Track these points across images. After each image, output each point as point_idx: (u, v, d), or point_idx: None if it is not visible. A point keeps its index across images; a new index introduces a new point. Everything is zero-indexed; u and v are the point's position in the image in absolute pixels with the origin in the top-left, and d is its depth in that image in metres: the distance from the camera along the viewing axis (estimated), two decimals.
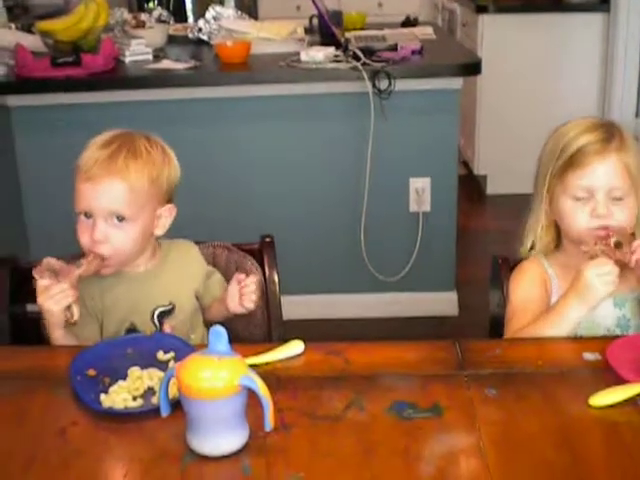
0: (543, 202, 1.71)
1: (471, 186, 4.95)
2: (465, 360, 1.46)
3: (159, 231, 1.75)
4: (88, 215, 1.66)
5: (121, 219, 1.66)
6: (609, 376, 1.40)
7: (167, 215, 1.75)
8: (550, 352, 1.50)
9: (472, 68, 3.16)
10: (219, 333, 1.23)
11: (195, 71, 3.14)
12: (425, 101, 3.19)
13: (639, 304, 1.71)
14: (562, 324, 1.56)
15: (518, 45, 4.67)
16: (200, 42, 3.68)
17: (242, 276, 1.72)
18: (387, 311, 3.43)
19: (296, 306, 3.34)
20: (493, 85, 4.68)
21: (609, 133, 1.65)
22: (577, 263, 1.60)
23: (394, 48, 3.19)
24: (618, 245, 1.57)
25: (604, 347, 1.46)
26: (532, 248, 1.77)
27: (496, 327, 1.79)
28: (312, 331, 3.27)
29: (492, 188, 4.82)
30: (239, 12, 3.82)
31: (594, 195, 1.63)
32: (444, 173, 3.31)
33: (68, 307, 1.60)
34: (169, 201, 1.75)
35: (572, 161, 1.63)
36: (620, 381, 1.38)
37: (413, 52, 3.19)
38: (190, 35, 3.77)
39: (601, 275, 1.52)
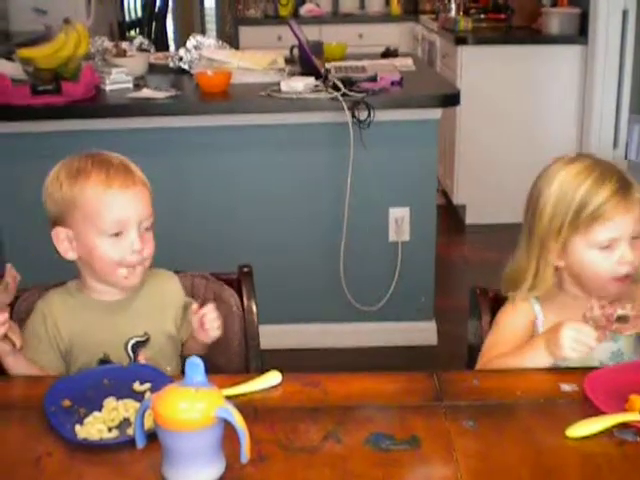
0: (551, 253, 1.69)
1: (450, 216, 4.98)
2: (443, 391, 1.46)
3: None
4: (117, 232, 1.66)
5: (149, 224, 1.70)
6: (586, 407, 1.40)
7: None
8: (528, 383, 1.50)
9: (451, 99, 3.18)
10: (196, 364, 1.23)
11: (175, 100, 3.15)
12: (404, 131, 3.21)
13: (634, 339, 1.72)
14: (529, 365, 1.59)
15: (497, 76, 4.72)
16: (181, 71, 3.69)
17: (195, 306, 1.71)
18: (366, 341, 3.43)
19: (275, 336, 3.34)
20: (472, 116, 4.71)
21: (622, 179, 1.65)
22: (573, 307, 1.64)
23: (374, 79, 3.21)
24: (622, 319, 1.54)
25: (581, 378, 1.47)
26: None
27: (474, 357, 1.79)
28: (291, 361, 3.24)
29: (471, 218, 4.85)
30: (220, 41, 3.84)
31: (618, 242, 1.63)
32: (423, 203, 3.33)
33: (5, 336, 1.57)
34: None
35: (596, 216, 1.62)
36: (597, 412, 1.38)
37: (393, 83, 3.21)
38: (171, 64, 3.78)
39: (576, 341, 1.52)
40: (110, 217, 1.65)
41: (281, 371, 1.52)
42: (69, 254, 1.71)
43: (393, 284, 3.34)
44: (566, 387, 1.47)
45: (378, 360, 3.32)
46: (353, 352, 3.40)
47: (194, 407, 1.19)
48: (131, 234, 1.66)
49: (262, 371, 1.53)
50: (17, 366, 1.63)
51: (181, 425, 1.19)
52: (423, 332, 3.45)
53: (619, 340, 1.69)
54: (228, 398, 1.37)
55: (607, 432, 1.34)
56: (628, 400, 1.39)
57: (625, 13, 4.57)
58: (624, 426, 1.35)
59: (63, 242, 1.70)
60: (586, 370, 1.50)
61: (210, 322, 1.69)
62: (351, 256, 3.29)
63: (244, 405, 1.39)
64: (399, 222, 3.31)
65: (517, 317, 1.74)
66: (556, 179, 1.68)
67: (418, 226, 3.33)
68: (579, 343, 1.52)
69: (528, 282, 1.73)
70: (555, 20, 4.80)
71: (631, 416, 1.36)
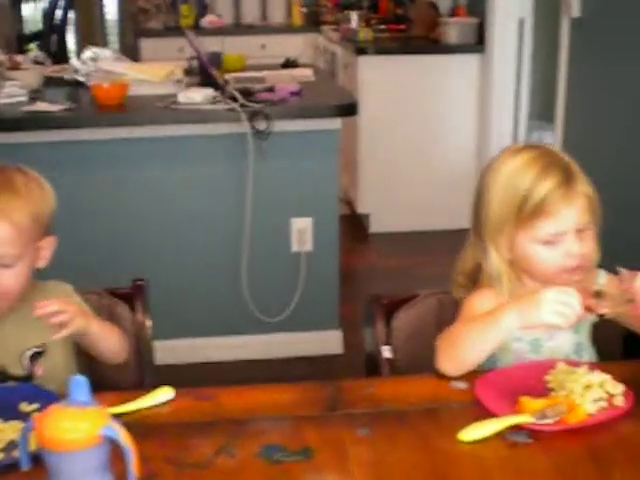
0: (501, 248, 1.63)
1: (354, 225, 5.00)
2: (338, 400, 1.46)
3: (41, 264, 1.70)
4: None
5: (8, 260, 1.61)
6: (478, 410, 1.41)
7: (48, 247, 1.71)
8: (421, 388, 1.50)
9: (348, 109, 3.20)
10: (80, 383, 1.19)
11: (70, 113, 3.09)
12: (304, 142, 3.21)
13: (589, 332, 1.71)
14: (492, 328, 1.51)
15: (397, 86, 4.76)
16: (77, 84, 3.62)
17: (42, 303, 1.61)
18: (272, 352, 3.41)
19: (180, 351, 3.31)
20: (374, 125, 4.75)
21: (566, 171, 1.60)
22: None
23: (272, 89, 3.21)
24: (598, 294, 1.51)
25: (472, 381, 1.48)
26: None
27: (371, 365, 1.79)
28: (195, 376, 3.22)
29: (375, 226, 4.88)
30: (117, 53, 3.79)
31: (564, 236, 1.59)
32: (325, 213, 3.33)
33: None
34: (48, 233, 1.71)
35: (539, 210, 1.57)
36: (488, 415, 1.39)
37: (291, 93, 3.21)
38: (67, 77, 3.70)
39: (559, 302, 1.45)
40: None
41: (183, 387, 1.49)
42: None
43: (297, 294, 3.34)
44: (458, 384, 1.49)
45: (284, 371, 3.30)
46: (259, 364, 3.37)
47: (78, 427, 1.15)
48: None
49: (157, 387, 1.50)
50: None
51: (65, 445, 1.15)
52: (329, 341, 3.45)
53: (580, 331, 1.69)
54: (117, 416, 1.34)
55: (499, 435, 1.35)
56: (518, 402, 1.41)
57: (521, 21, 4.67)
58: (516, 428, 1.36)
59: None
60: (477, 373, 1.51)
61: (55, 318, 1.60)
62: (254, 268, 3.27)
63: (134, 423, 1.37)
64: (301, 232, 3.30)
65: (483, 302, 1.64)
66: (501, 172, 1.63)
67: (321, 236, 3.34)
68: (563, 305, 1.45)
69: (474, 282, 1.69)
70: (453, 30, 4.88)
71: (522, 418, 1.37)
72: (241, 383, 1.57)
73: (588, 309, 1.49)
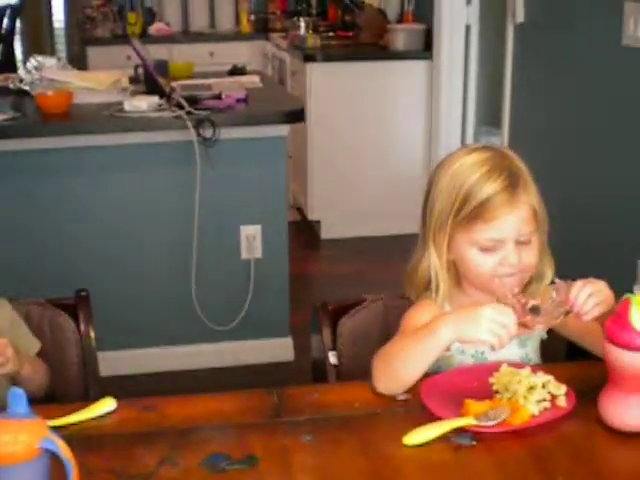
0: (443, 247, 1.60)
1: (305, 231, 5.00)
2: (282, 408, 1.45)
3: None
4: None
5: None
6: (423, 414, 1.41)
7: None
8: (366, 393, 1.50)
9: (295, 115, 3.19)
10: (18, 395, 1.18)
11: (14, 122, 3.04)
12: (252, 149, 3.20)
13: (538, 344, 1.70)
14: (428, 341, 1.45)
15: (346, 92, 4.77)
16: (23, 93, 3.57)
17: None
18: (223, 360, 3.39)
19: (129, 361, 3.28)
20: (323, 131, 4.76)
21: (512, 176, 1.55)
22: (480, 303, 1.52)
23: (218, 96, 3.20)
24: (534, 310, 1.48)
25: (418, 385, 1.48)
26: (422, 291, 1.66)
27: (318, 372, 1.79)
28: (144, 387, 3.19)
29: (326, 233, 4.87)
30: (62, 62, 3.75)
31: (502, 243, 1.55)
32: (274, 220, 3.32)
33: None
34: None
35: (479, 213, 1.54)
36: (434, 418, 1.39)
37: (238, 100, 3.20)
38: (11, 86, 3.65)
39: (495, 322, 1.41)
40: None
41: (131, 398, 1.48)
42: None
43: (247, 302, 3.32)
44: (400, 396, 1.47)
45: (235, 380, 3.28)
46: (210, 373, 3.35)
47: (16, 439, 1.14)
48: None
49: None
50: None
51: (3, 459, 1.13)
52: (279, 348, 3.44)
53: (526, 346, 1.67)
54: (59, 428, 1.32)
55: (444, 437, 1.35)
56: (463, 404, 1.41)
57: (468, 28, 4.71)
58: (460, 430, 1.37)
59: None
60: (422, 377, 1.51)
61: None
62: (203, 276, 3.25)
63: (76, 435, 1.35)
64: (251, 240, 3.29)
65: (423, 314, 1.59)
66: (450, 168, 1.59)
67: (270, 243, 3.33)
68: (498, 325, 1.41)
69: (420, 281, 1.65)
70: (401, 36, 4.90)
71: (466, 420, 1.38)
72: (191, 393, 1.56)
73: (524, 326, 1.48)
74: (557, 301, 1.48)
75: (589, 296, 1.46)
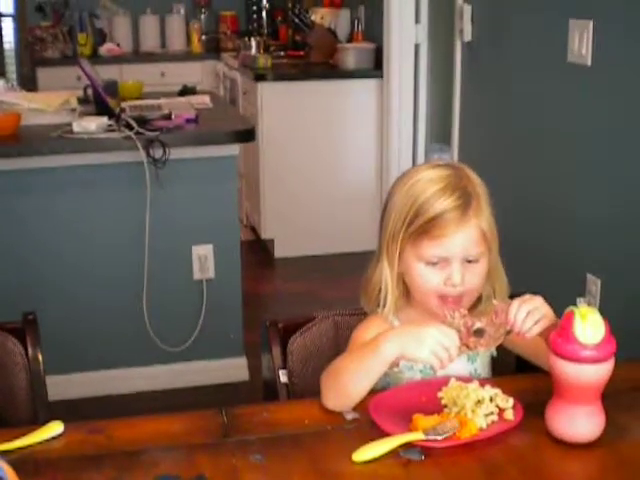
0: (394, 259, 1.60)
1: (259, 250, 5.00)
2: (232, 427, 1.45)
3: None
4: None
5: None
6: (373, 430, 1.42)
7: None
8: (315, 411, 1.50)
9: (245, 135, 3.20)
10: None
11: None
12: (202, 169, 3.20)
13: (488, 359, 1.71)
14: (372, 357, 1.46)
15: (297, 111, 4.79)
16: None
17: None
18: (177, 382, 3.37)
19: (79, 384, 3.25)
20: (275, 151, 4.77)
21: (466, 195, 1.55)
22: (427, 320, 1.54)
23: (168, 117, 3.19)
24: (478, 332, 1.48)
25: (367, 401, 1.48)
26: (379, 303, 1.65)
27: (269, 390, 1.78)
28: (96, 410, 3.16)
29: (280, 251, 4.88)
30: (10, 83, 3.73)
31: (449, 262, 1.55)
32: (226, 239, 3.32)
33: None
34: None
35: (427, 228, 1.54)
36: (383, 434, 1.40)
37: (188, 120, 3.20)
38: None
39: (438, 343, 1.43)
40: None
41: (78, 421, 1.46)
42: None
43: (200, 322, 3.31)
44: (348, 415, 1.47)
45: (189, 401, 3.27)
46: (164, 395, 3.33)
47: None
48: None
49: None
50: None
51: None
52: (234, 368, 3.42)
53: (475, 361, 1.67)
54: (5, 453, 1.31)
55: (393, 453, 1.36)
56: (412, 420, 1.42)
57: (417, 46, 4.75)
58: (409, 446, 1.37)
59: None
60: (372, 394, 1.51)
61: None
62: (155, 297, 3.23)
63: (24, 459, 1.34)
64: (202, 260, 3.28)
65: (371, 330, 1.60)
66: (407, 181, 1.60)
67: (223, 263, 3.32)
68: (441, 347, 1.42)
69: (374, 294, 1.65)
70: (351, 55, 4.94)
71: (414, 435, 1.39)
72: (143, 415, 1.54)
73: (466, 347, 1.48)
74: (497, 323, 1.49)
75: (527, 315, 1.47)
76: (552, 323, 1.48)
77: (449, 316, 1.49)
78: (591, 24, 2.86)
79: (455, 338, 1.45)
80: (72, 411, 1.67)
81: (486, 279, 1.62)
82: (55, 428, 1.43)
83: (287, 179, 4.81)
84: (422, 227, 1.55)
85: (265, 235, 4.91)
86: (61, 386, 3.03)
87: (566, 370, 1.36)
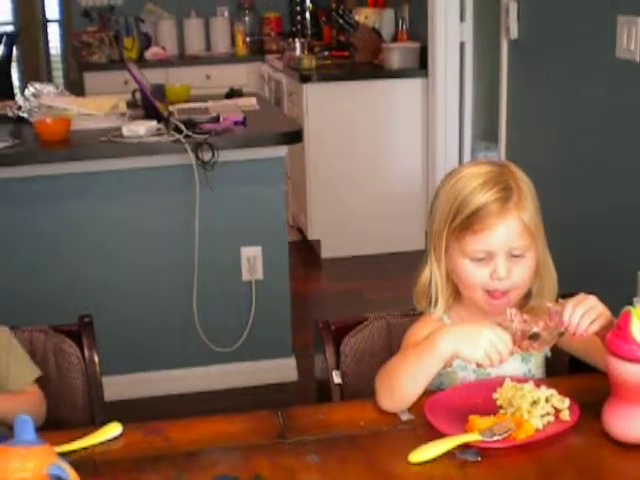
0: (442, 257, 1.61)
1: (306, 251, 5.01)
2: (287, 428, 1.46)
3: None
4: None
5: None
6: (428, 431, 1.42)
7: None
8: (371, 412, 1.50)
9: (293, 137, 3.21)
10: (25, 422, 1.18)
11: (13, 150, 3.06)
12: (250, 170, 3.21)
13: (542, 360, 1.70)
14: (428, 354, 1.47)
15: (343, 112, 4.79)
16: (21, 120, 3.58)
17: None
18: (227, 382, 3.39)
19: (134, 385, 3.28)
20: (321, 152, 4.77)
21: (507, 189, 1.56)
22: (477, 318, 1.56)
23: (216, 119, 3.21)
24: (533, 337, 1.48)
25: (422, 402, 1.49)
26: (431, 303, 1.66)
27: (322, 391, 1.79)
28: (149, 410, 3.19)
29: (327, 252, 4.88)
30: (60, 88, 3.76)
31: (493, 256, 1.55)
32: (275, 240, 3.33)
33: None
34: None
35: (470, 223, 1.54)
36: (439, 435, 1.40)
37: (236, 123, 3.22)
38: (10, 113, 3.66)
39: (492, 344, 1.43)
40: None
41: (134, 421, 1.48)
42: None
43: (249, 323, 3.33)
44: (403, 416, 1.48)
45: (239, 401, 3.28)
46: (214, 396, 3.35)
47: (24, 466, 1.15)
48: None
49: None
50: None
51: None
52: (283, 369, 3.44)
53: (529, 362, 1.67)
54: (65, 454, 1.33)
55: (449, 454, 1.36)
56: (468, 421, 1.42)
57: (462, 45, 4.74)
58: (465, 447, 1.37)
59: None
60: (426, 395, 1.51)
61: None
62: (205, 298, 3.25)
63: (83, 460, 1.36)
64: (251, 261, 3.30)
65: (424, 330, 1.59)
66: (452, 181, 1.60)
67: (271, 264, 3.34)
68: (494, 349, 1.43)
69: (424, 294, 1.65)
70: (396, 55, 4.92)
71: (471, 436, 1.39)
72: (195, 415, 1.56)
73: (519, 349, 1.49)
74: (551, 326, 1.49)
75: (582, 316, 1.47)
76: (608, 321, 1.47)
77: (509, 316, 1.49)
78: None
79: (509, 342, 1.45)
80: (125, 411, 1.69)
81: (534, 275, 1.61)
82: (114, 429, 1.45)
83: (333, 179, 4.82)
84: (464, 222, 1.55)
85: (312, 236, 4.92)
86: (114, 387, 3.07)
87: (624, 370, 1.35)
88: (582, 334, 1.48)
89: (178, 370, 3.37)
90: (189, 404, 3.28)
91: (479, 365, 1.47)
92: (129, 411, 2.64)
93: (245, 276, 3.32)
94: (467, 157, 4.85)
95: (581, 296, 1.51)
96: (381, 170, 4.86)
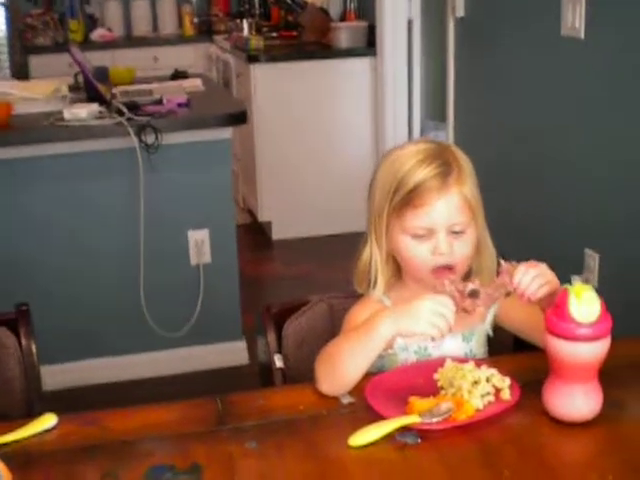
0: (382, 237, 1.59)
1: (257, 233, 4.98)
2: (227, 414, 1.44)
3: None
4: None
5: None
6: (369, 414, 1.41)
7: None
8: (311, 396, 1.48)
9: (238, 118, 3.18)
10: None
11: None
12: (196, 153, 3.18)
13: (483, 339, 1.69)
14: (367, 338, 1.45)
15: (291, 92, 4.76)
16: None
17: None
18: (176, 367, 3.36)
19: (78, 373, 3.24)
20: (270, 132, 4.74)
21: (446, 165, 1.55)
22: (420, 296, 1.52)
23: (160, 102, 3.17)
24: (473, 294, 1.46)
25: (363, 385, 1.47)
26: (370, 284, 1.64)
27: (265, 376, 1.77)
28: (94, 398, 3.15)
29: (277, 233, 4.86)
30: (0, 72, 3.69)
31: (435, 232, 1.54)
32: (222, 223, 3.31)
33: None
34: None
35: (410, 199, 1.53)
36: (379, 418, 1.38)
37: (179, 105, 3.18)
38: None
39: (434, 313, 1.42)
40: None
41: (79, 412, 1.46)
42: None
43: (198, 307, 3.30)
44: (344, 399, 1.46)
45: (190, 386, 3.26)
46: (164, 381, 3.32)
47: None
48: None
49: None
50: None
51: None
52: (233, 353, 3.41)
53: (471, 341, 1.66)
54: None
55: (389, 437, 1.35)
56: (408, 403, 1.41)
57: (410, 22, 4.72)
58: (405, 429, 1.36)
59: None
60: (366, 378, 1.50)
61: None
62: (152, 283, 3.22)
63: (17, 453, 1.33)
64: (199, 244, 3.27)
65: (365, 312, 1.58)
66: (389, 157, 1.60)
67: (219, 247, 3.31)
68: (437, 316, 1.41)
69: (365, 275, 1.63)
70: (344, 34, 4.90)
71: (411, 418, 1.37)
72: (144, 403, 1.53)
73: (464, 311, 1.47)
74: (498, 282, 1.48)
75: (533, 278, 1.46)
76: (555, 290, 1.46)
77: (438, 285, 1.48)
78: None
79: (449, 303, 1.44)
80: (68, 401, 1.66)
81: (475, 252, 1.61)
82: (48, 420, 1.42)
83: (283, 161, 4.79)
84: (404, 199, 1.54)
85: (262, 218, 4.90)
86: (56, 375, 3.03)
87: (562, 349, 1.35)
88: (529, 297, 1.47)
89: (127, 356, 3.33)
90: (138, 391, 3.25)
91: (432, 339, 1.45)
92: (71, 400, 2.61)
93: (193, 260, 3.29)
94: (416, 136, 4.84)
95: (533, 262, 1.51)
96: (331, 150, 4.84)
